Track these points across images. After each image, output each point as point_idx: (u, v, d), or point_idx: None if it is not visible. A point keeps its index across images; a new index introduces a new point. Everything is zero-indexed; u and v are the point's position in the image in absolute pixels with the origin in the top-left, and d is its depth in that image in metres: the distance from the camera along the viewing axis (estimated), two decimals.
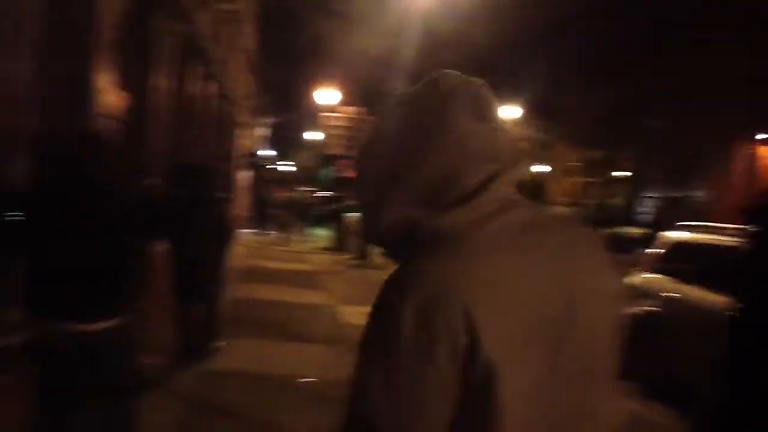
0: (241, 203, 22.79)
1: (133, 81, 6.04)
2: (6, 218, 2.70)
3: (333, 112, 21.10)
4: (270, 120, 33.41)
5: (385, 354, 0.99)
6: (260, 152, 31.37)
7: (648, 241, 8.67)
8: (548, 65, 24.59)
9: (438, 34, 18.82)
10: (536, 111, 33.36)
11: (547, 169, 43.39)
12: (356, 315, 8.92)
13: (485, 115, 1.14)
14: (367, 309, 1.04)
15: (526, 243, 1.08)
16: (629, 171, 34.62)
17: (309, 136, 46.27)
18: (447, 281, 1.00)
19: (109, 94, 4.81)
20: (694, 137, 23.07)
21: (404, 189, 1.10)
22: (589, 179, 41.97)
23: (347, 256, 16.65)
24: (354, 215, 18.70)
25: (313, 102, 25.34)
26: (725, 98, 19.31)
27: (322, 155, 33.75)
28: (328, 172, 33.24)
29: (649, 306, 6.21)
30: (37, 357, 2.77)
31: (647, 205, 32.72)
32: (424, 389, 0.98)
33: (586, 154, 40.27)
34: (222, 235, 6.13)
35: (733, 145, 24.26)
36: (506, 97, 27.05)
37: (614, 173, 37.61)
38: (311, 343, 7.41)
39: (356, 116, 18.20)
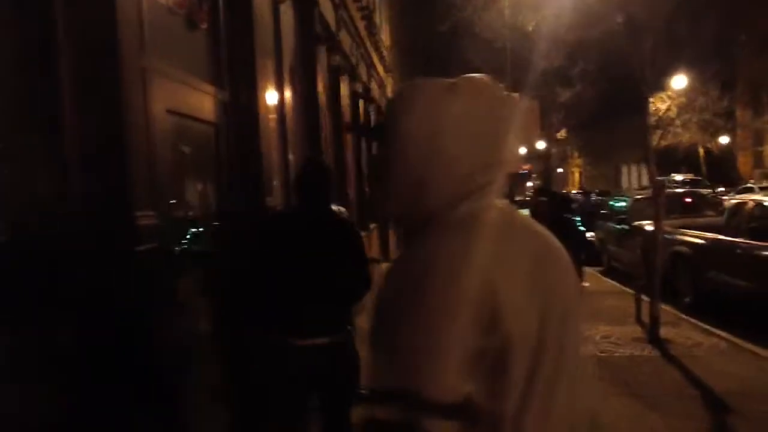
0: None
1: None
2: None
3: None
4: None
5: (416, 316, 1.12)
6: None
7: None
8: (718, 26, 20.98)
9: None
10: (707, 78, 29.34)
11: (727, 140, 38.36)
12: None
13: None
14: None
15: (517, 229, 1.27)
16: None
17: None
18: (472, 255, 1.16)
19: None
20: None
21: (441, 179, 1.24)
22: None
23: None
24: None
25: None
26: None
27: None
28: None
29: None
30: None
31: None
32: (446, 347, 1.12)
33: None
34: None
35: None
36: (672, 65, 23.65)
37: None
38: None
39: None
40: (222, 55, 4.21)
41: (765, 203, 7.71)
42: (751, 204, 8.09)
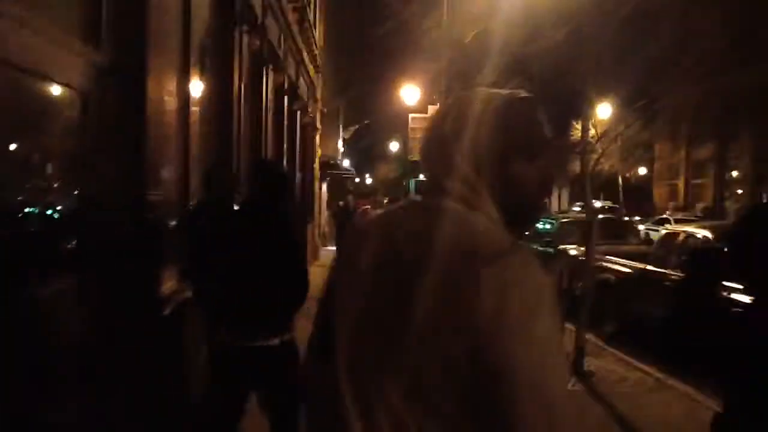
0: (321, 217, 20.97)
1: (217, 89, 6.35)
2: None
3: (418, 113, 18.63)
4: (349, 129, 31.41)
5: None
6: (339, 162, 29.42)
7: None
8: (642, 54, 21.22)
9: (536, 18, 15.72)
10: (631, 107, 29.93)
11: (645, 171, 39.59)
12: None
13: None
14: None
15: (381, 226, 1.33)
16: (744, 170, 30.72)
17: (391, 146, 44.00)
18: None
19: None
20: None
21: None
22: (697, 181, 37.61)
23: None
24: None
25: (396, 105, 23.10)
26: None
27: (408, 163, 30.99)
28: (415, 182, 30.76)
29: None
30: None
31: None
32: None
33: (691, 153, 36.34)
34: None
35: None
36: (598, 93, 23.78)
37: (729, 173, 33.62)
38: None
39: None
40: (101, 9, 3.41)
41: (698, 235, 7.41)
42: (683, 235, 7.80)
